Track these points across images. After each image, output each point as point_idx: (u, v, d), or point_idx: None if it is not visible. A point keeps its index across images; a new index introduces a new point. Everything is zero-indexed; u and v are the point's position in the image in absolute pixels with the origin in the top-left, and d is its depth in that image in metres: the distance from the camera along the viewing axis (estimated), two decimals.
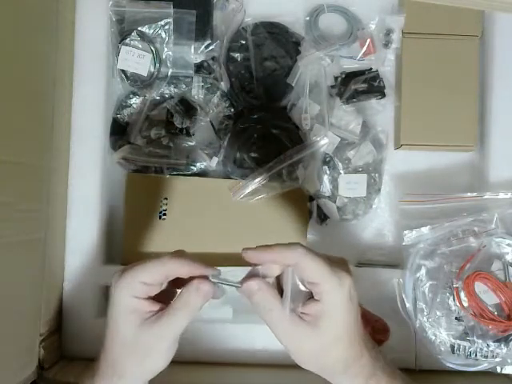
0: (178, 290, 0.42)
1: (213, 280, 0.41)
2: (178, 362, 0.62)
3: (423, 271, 0.61)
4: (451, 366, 0.60)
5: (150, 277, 0.40)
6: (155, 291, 0.41)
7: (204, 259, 0.65)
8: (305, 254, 0.38)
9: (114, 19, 0.64)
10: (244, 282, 0.40)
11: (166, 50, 0.64)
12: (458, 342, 0.59)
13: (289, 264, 0.39)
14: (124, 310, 0.40)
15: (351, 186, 0.66)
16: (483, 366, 0.59)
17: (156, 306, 0.40)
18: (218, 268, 0.42)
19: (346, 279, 0.39)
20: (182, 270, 0.40)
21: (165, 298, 0.42)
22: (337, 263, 0.40)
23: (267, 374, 0.61)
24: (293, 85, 0.66)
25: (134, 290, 0.40)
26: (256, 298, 0.40)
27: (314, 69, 0.65)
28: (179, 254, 0.41)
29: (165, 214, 0.66)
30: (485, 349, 0.58)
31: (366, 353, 0.41)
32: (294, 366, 0.62)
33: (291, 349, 0.40)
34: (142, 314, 0.40)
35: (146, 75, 0.64)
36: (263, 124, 0.66)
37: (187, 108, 0.64)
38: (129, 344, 0.40)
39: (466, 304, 0.58)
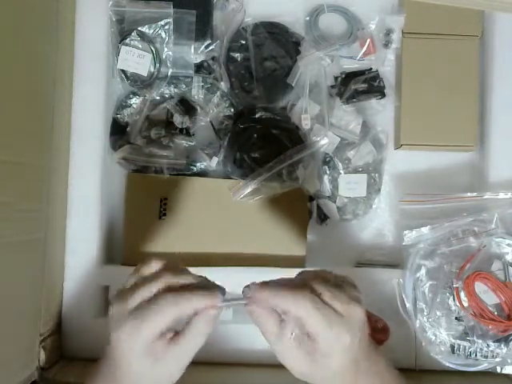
0: None
1: (220, 305, 0.40)
2: None
3: (423, 271, 0.61)
4: (451, 365, 0.60)
5: (161, 326, 0.38)
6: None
7: (204, 259, 0.65)
8: (308, 309, 0.38)
9: (114, 19, 0.64)
10: (248, 305, 0.40)
11: (166, 49, 0.64)
12: (458, 342, 0.59)
13: (293, 315, 0.39)
14: (139, 354, 0.39)
15: (351, 185, 0.66)
16: (483, 365, 0.59)
17: (169, 335, 0.40)
18: (222, 286, 0.42)
19: (344, 335, 0.39)
20: (190, 308, 0.39)
21: None
22: (346, 304, 0.40)
23: (267, 373, 0.61)
24: (293, 85, 0.66)
25: (145, 343, 0.39)
26: (259, 320, 0.40)
27: (314, 69, 0.65)
28: (174, 294, 0.39)
29: (165, 214, 0.66)
30: (485, 349, 0.58)
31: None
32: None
33: (289, 368, 0.41)
34: (156, 353, 0.39)
35: (145, 75, 0.64)
36: (263, 124, 0.66)
37: (187, 108, 0.64)
38: (145, 380, 0.40)
39: (465, 304, 0.58)
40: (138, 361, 0.39)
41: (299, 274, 0.44)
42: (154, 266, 0.42)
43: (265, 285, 0.41)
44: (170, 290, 0.40)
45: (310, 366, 0.39)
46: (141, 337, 0.38)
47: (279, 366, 0.63)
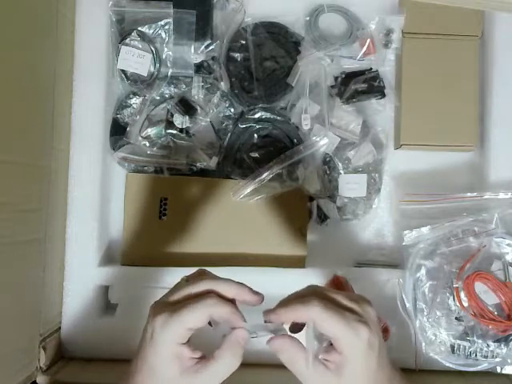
0: None
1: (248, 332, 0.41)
2: None
3: (423, 271, 0.61)
4: (451, 365, 0.60)
5: (197, 322, 0.39)
6: (193, 333, 0.41)
7: (204, 259, 0.65)
8: (320, 311, 0.39)
9: (114, 19, 0.64)
10: (270, 340, 0.41)
11: (166, 49, 0.64)
12: (458, 342, 0.59)
13: (305, 321, 0.40)
14: (167, 356, 0.39)
15: (351, 185, 0.66)
16: (483, 365, 0.59)
17: (197, 354, 0.40)
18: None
19: (363, 330, 0.39)
20: (225, 315, 0.40)
21: None
22: (356, 304, 0.41)
23: (267, 373, 0.61)
24: (293, 85, 0.66)
25: (179, 336, 0.39)
26: (281, 354, 0.41)
27: (314, 69, 0.65)
28: (216, 297, 0.40)
29: (165, 214, 0.66)
30: (485, 349, 0.58)
31: None
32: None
33: None
34: (185, 361, 0.39)
35: (146, 75, 0.64)
36: (263, 124, 0.66)
37: (187, 108, 0.64)
38: None
39: (465, 304, 0.58)
40: (166, 364, 0.39)
41: (306, 287, 0.44)
42: (199, 272, 0.44)
43: (277, 307, 0.41)
44: (210, 294, 0.40)
45: (338, 381, 0.39)
46: (172, 329, 0.38)
47: (279, 366, 0.63)
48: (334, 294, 0.41)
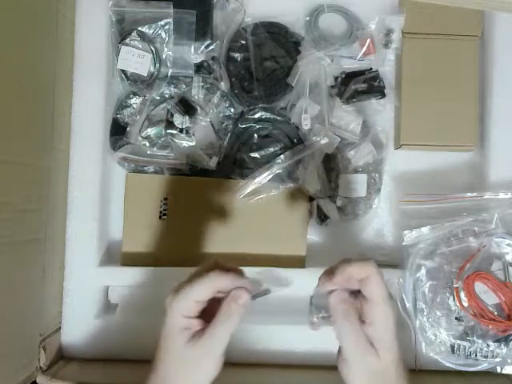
0: None
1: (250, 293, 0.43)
2: None
3: (423, 271, 0.61)
4: (451, 365, 0.60)
5: (202, 295, 0.42)
6: (202, 307, 0.43)
7: (204, 259, 0.65)
8: (377, 270, 0.42)
9: (114, 19, 0.64)
10: (331, 294, 0.43)
11: (166, 50, 0.64)
12: (458, 342, 0.59)
13: (362, 277, 0.42)
14: (176, 329, 0.42)
15: (351, 185, 0.66)
16: (483, 365, 0.59)
17: (203, 324, 0.42)
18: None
19: (393, 309, 0.42)
20: (229, 284, 0.42)
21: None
22: None
23: (267, 373, 0.61)
24: (293, 85, 0.65)
25: (186, 309, 0.42)
26: (341, 305, 0.43)
27: (314, 69, 0.65)
28: (222, 267, 0.43)
29: (165, 214, 0.66)
30: (485, 349, 0.58)
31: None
32: (295, 366, 0.62)
33: (354, 359, 0.42)
34: (192, 331, 0.42)
35: (146, 75, 0.64)
36: (263, 124, 0.66)
37: (187, 108, 0.64)
38: (179, 359, 0.42)
39: (465, 304, 0.58)
40: (175, 335, 0.42)
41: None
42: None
43: (339, 263, 0.44)
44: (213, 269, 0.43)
45: (374, 359, 0.41)
46: (179, 303, 0.41)
47: (280, 366, 0.63)
48: None
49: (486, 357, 0.59)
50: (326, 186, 0.66)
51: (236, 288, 0.42)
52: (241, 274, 0.44)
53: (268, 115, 0.66)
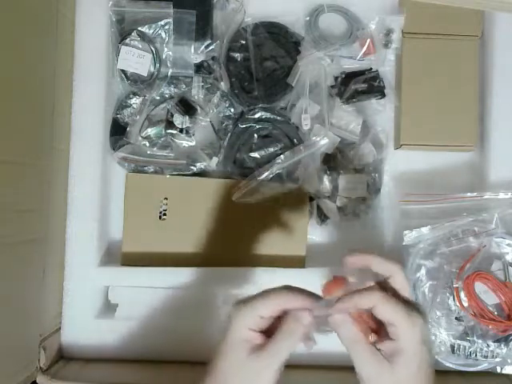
0: None
1: (318, 311, 0.43)
2: (178, 361, 0.62)
3: (423, 271, 0.61)
4: (451, 366, 0.60)
5: (268, 311, 0.42)
6: (267, 324, 0.43)
7: (204, 259, 0.65)
8: (381, 297, 0.41)
9: (114, 19, 0.64)
10: (332, 315, 0.43)
11: (166, 50, 0.64)
12: (458, 342, 0.59)
13: (367, 308, 0.42)
14: (238, 340, 0.42)
15: (351, 185, 0.66)
16: (483, 365, 0.59)
17: (264, 339, 0.42)
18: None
19: (419, 321, 0.41)
20: (297, 304, 0.43)
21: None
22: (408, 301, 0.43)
23: None
24: (293, 85, 0.65)
25: (251, 323, 0.42)
26: (342, 330, 0.43)
27: (314, 69, 0.65)
28: (291, 288, 0.43)
29: (165, 214, 0.66)
30: (485, 349, 0.58)
31: None
32: (294, 366, 0.62)
33: (369, 378, 0.42)
34: (253, 344, 0.42)
35: (145, 75, 0.64)
36: (263, 124, 0.66)
37: (187, 108, 0.64)
38: (239, 369, 0.42)
39: (465, 304, 0.58)
40: (237, 346, 0.42)
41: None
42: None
43: (343, 295, 0.43)
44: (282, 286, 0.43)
45: (389, 373, 0.41)
46: (244, 314, 0.42)
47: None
48: (392, 288, 0.44)
49: (486, 357, 0.59)
50: (326, 186, 0.66)
51: (303, 309, 0.42)
52: (314, 298, 0.44)
53: (268, 115, 0.66)
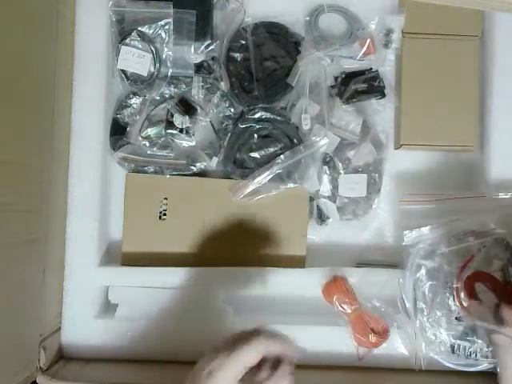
0: None
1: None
2: (177, 362, 0.62)
3: (423, 271, 0.61)
4: (451, 366, 0.60)
5: (252, 360, 0.43)
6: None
7: (204, 259, 0.65)
8: None
9: (114, 19, 0.64)
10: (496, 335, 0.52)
11: (166, 49, 0.64)
12: (458, 342, 0.59)
13: None
14: None
15: (351, 185, 0.66)
16: (483, 366, 0.59)
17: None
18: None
19: None
20: (278, 348, 0.45)
21: None
22: None
23: None
24: (293, 85, 0.65)
25: (238, 374, 0.43)
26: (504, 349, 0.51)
27: (314, 69, 0.65)
28: (266, 333, 0.45)
29: (165, 214, 0.66)
30: (485, 349, 0.58)
31: None
32: (294, 366, 0.62)
33: None
34: None
35: (146, 75, 0.64)
36: (263, 124, 0.66)
37: (187, 108, 0.64)
38: None
39: (465, 304, 0.58)
40: None
41: None
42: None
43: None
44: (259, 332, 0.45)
45: None
46: (230, 368, 0.42)
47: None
48: None
49: (486, 357, 0.59)
50: (326, 186, 0.66)
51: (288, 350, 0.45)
52: (288, 340, 0.46)
53: (268, 115, 0.66)
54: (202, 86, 0.65)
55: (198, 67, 0.65)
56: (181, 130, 0.64)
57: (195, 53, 0.64)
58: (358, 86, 0.66)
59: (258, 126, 0.66)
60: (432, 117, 0.65)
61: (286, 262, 0.64)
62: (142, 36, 0.63)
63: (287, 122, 0.66)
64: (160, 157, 0.65)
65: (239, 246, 0.65)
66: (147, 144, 0.65)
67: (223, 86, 0.66)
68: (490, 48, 0.67)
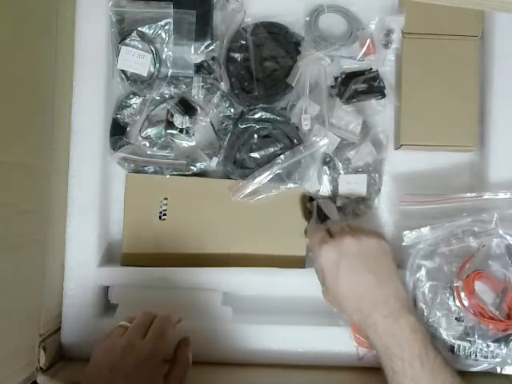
0: None
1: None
2: None
3: (423, 271, 0.61)
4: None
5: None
6: None
7: (204, 259, 0.65)
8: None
9: (114, 19, 0.64)
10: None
11: (166, 50, 0.64)
12: (458, 342, 0.59)
13: None
14: None
15: (351, 186, 0.66)
16: (483, 366, 0.59)
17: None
18: None
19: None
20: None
21: None
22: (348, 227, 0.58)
23: (267, 373, 0.61)
24: (293, 85, 0.65)
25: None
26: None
27: (314, 69, 0.65)
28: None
29: (165, 214, 0.66)
30: (485, 349, 0.58)
31: None
32: (294, 366, 0.62)
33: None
34: None
35: (145, 75, 0.64)
36: (263, 124, 0.66)
37: (187, 108, 0.64)
38: None
39: (466, 303, 0.58)
40: None
41: None
42: None
43: None
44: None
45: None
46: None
47: (279, 366, 0.63)
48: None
49: (486, 357, 0.59)
50: (326, 186, 0.66)
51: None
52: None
53: (268, 115, 0.66)
54: (202, 86, 0.65)
55: (198, 67, 0.65)
56: (181, 130, 0.64)
57: (195, 53, 0.64)
58: (358, 86, 0.66)
59: (257, 126, 0.66)
60: (432, 117, 0.65)
61: (286, 262, 0.64)
62: (142, 36, 0.63)
63: (287, 122, 0.66)
64: (160, 157, 0.65)
65: (239, 246, 0.65)
66: (147, 144, 0.65)
67: (223, 86, 0.66)
68: (490, 48, 0.67)
